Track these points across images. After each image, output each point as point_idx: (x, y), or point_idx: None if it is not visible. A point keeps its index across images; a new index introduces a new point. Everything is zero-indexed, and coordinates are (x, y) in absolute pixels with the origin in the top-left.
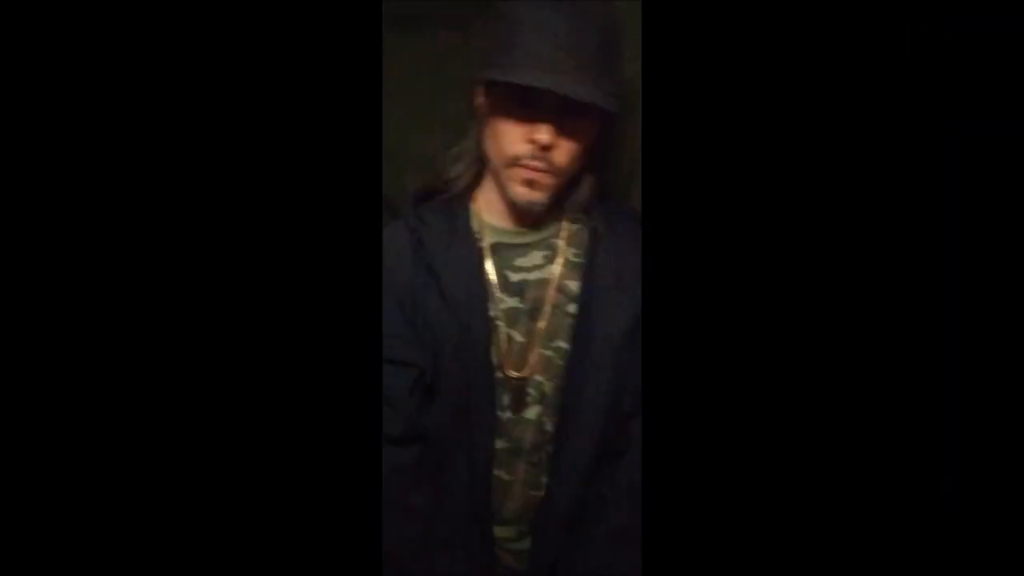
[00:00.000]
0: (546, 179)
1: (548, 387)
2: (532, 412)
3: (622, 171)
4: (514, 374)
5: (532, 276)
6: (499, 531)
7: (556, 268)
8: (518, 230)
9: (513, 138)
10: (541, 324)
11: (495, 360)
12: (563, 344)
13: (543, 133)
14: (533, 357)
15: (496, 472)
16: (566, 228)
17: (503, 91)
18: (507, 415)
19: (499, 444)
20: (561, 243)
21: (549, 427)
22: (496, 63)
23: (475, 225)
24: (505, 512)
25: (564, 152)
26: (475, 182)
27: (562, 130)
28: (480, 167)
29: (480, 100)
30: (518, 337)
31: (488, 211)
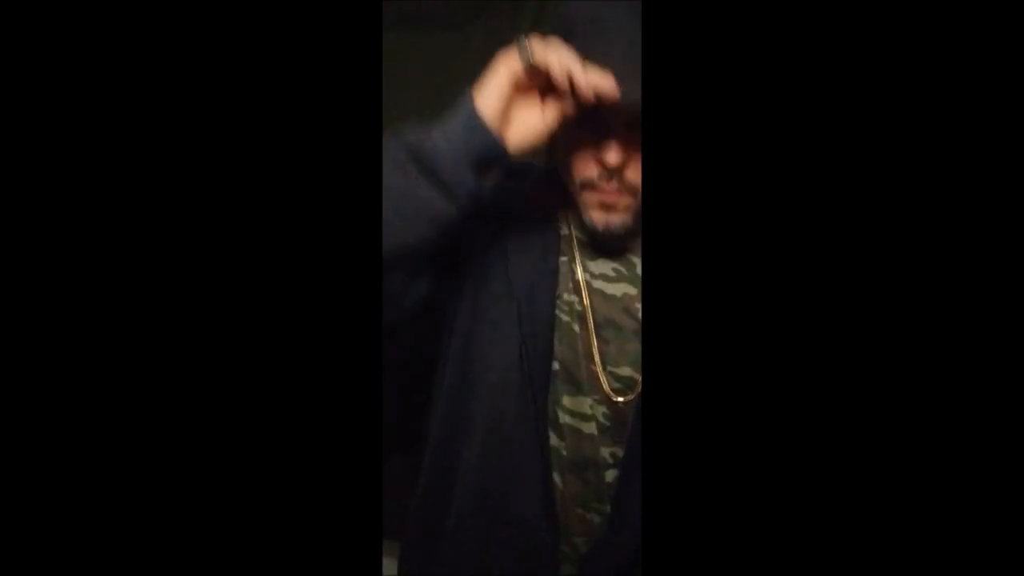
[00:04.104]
0: (624, 200)
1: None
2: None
3: None
4: None
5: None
6: None
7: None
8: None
9: (584, 160)
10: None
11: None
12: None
13: (612, 154)
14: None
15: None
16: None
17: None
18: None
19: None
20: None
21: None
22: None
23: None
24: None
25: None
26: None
27: (632, 144)
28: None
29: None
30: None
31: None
